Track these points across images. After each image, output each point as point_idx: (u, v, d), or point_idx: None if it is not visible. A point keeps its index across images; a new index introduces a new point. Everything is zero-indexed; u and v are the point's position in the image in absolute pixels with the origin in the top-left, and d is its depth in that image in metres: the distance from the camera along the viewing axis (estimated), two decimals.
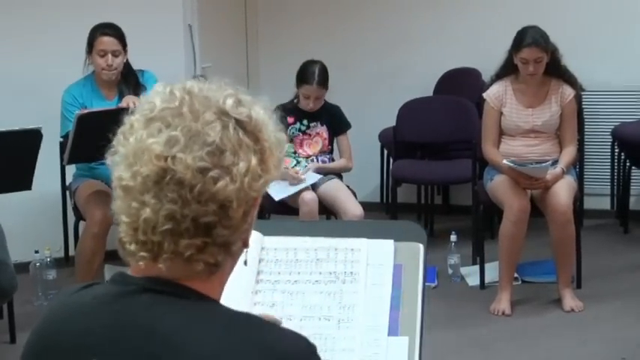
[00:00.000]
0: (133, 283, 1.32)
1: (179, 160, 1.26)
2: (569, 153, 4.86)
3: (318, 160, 5.23)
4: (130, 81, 4.87)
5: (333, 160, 5.33)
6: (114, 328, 1.29)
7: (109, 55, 4.77)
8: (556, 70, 4.86)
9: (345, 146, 5.31)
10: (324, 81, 5.14)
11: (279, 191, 4.95)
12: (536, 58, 4.74)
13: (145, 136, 1.29)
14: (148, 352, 1.26)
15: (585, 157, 5.92)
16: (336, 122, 5.29)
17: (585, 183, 6.01)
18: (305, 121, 5.21)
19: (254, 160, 1.30)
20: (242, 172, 1.28)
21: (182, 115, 1.29)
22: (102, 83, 4.88)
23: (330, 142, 5.31)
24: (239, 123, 1.30)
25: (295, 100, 5.22)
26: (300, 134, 5.22)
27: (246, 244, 1.36)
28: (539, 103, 4.88)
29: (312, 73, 5.11)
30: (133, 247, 1.30)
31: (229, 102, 1.32)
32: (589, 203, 6.06)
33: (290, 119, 5.16)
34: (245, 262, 1.41)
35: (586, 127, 5.87)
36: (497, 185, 4.83)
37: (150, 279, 1.31)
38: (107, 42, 4.77)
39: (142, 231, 1.28)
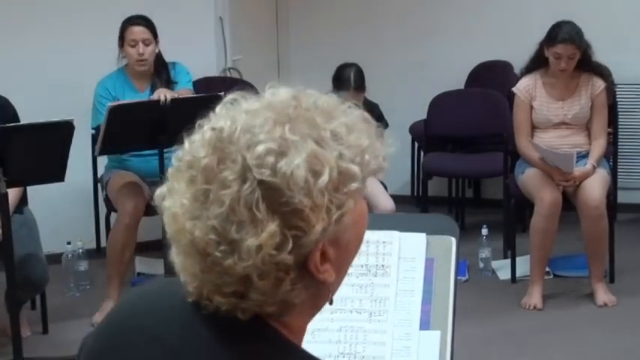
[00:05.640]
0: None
1: (193, 227, 1.12)
2: (598, 146, 4.81)
3: None
4: (162, 73, 4.89)
5: None
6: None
7: (140, 44, 4.79)
8: (586, 67, 4.81)
9: None
10: (360, 85, 5.04)
11: None
12: (569, 54, 4.69)
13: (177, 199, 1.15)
14: None
15: (619, 150, 5.86)
16: None
17: (619, 177, 5.95)
18: None
19: (272, 227, 1.09)
20: (253, 250, 1.09)
21: (204, 168, 1.13)
22: (134, 75, 4.91)
23: None
24: (261, 184, 1.09)
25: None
26: None
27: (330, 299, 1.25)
28: (570, 95, 4.83)
29: (347, 79, 5.01)
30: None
31: (259, 150, 1.10)
32: (623, 197, 6.00)
33: None
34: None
35: (620, 120, 5.82)
36: (529, 178, 4.79)
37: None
38: (137, 31, 4.80)
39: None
